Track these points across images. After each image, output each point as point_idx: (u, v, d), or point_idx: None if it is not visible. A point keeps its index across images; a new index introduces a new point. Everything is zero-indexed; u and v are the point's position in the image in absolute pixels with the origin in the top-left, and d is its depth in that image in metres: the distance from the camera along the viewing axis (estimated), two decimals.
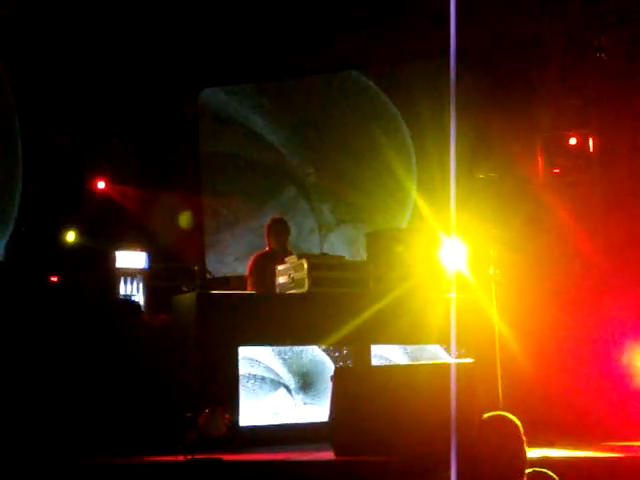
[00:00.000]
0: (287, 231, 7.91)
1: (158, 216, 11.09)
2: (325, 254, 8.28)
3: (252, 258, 7.85)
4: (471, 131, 9.77)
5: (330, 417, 5.11)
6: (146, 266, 8.60)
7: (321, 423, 6.18)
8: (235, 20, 10.73)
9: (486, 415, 3.67)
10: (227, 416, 5.26)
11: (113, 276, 8.23)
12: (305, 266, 7.03)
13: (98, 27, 10.21)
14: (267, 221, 8.03)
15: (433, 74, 10.66)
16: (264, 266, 7.63)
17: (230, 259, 11.62)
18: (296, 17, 10.44)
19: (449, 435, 4.98)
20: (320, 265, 7.15)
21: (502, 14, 10.04)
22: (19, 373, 5.85)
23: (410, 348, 7.01)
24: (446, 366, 6.32)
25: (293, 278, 7.18)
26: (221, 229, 11.77)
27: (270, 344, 6.57)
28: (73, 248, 7.61)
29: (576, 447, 5.35)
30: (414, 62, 11.17)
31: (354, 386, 5.12)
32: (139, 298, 8.40)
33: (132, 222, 10.73)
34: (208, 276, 11.42)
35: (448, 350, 7.04)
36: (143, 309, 7.98)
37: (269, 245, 7.83)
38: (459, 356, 6.80)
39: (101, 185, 10.99)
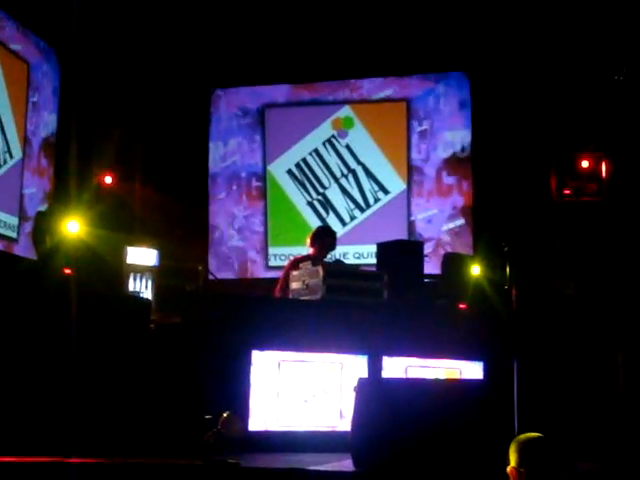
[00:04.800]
0: (333, 244, 7.82)
1: (164, 215, 11.06)
2: (340, 261, 8.22)
3: (292, 260, 7.79)
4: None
5: (351, 428, 5.05)
6: (157, 263, 8.53)
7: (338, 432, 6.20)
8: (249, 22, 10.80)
9: (523, 436, 3.59)
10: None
11: (123, 272, 8.15)
12: (321, 273, 6.97)
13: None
14: (316, 228, 8.00)
15: None
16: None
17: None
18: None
19: (470, 453, 4.97)
20: (336, 273, 7.11)
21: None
22: (29, 368, 5.75)
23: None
24: (462, 383, 6.37)
25: (307, 284, 7.12)
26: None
27: (283, 349, 6.49)
28: (83, 240, 7.47)
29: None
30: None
31: (377, 398, 5.07)
32: (147, 295, 8.32)
33: (139, 219, 10.67)
34: (210, 277, 11.41)
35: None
36: (152, 307, 7.88)
37: (312, 252, 7.74)
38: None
39: (108, 180, 10.92)
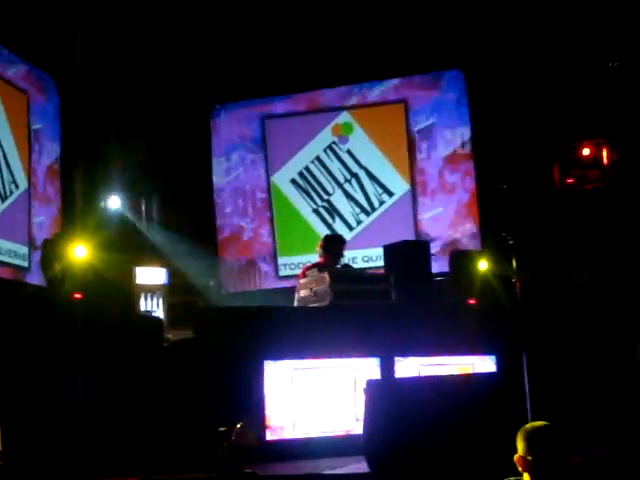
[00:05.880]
0: (342, 251, 7.87)
1: (172, 234, 11.19)
2: (348, 266, 8.28)
3: (303, 269, 7.85)
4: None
5: (363, 430, 5.09)
6: (166, 282, 8.61)
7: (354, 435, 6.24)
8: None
9: (529, 425, 3.62)
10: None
11: (133, 293, 8.23)
12: (327, 279, 7.02)
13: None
14: (324, 237, 8.08)
15: None
16: None
17: None
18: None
19: (485, 446, 4.99)
20: (342, 278, 7.16)
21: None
22: (46, 390, 5.83)
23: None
24: (474, 377, 6.39)
25: (315, 291, 7.18)
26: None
27: (295, 358, 6.55)
28: (92, 264, 7.55)
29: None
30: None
31: (386, 398, 5.10)
32: (159, 314, 8.40)
33: (147, 239, 10.78)
34: (222, 291, 11.51)
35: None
36: (165, 325, 7.96)
37: (323, 259, 7.80)
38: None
39: (114, 203, 11.03)
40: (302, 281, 7.37)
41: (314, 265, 7.82)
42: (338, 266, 7.81)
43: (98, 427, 5.79)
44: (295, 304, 7.55)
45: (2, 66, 9.44)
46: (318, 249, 7.86)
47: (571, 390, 6.97)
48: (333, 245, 7.78)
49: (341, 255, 7.79)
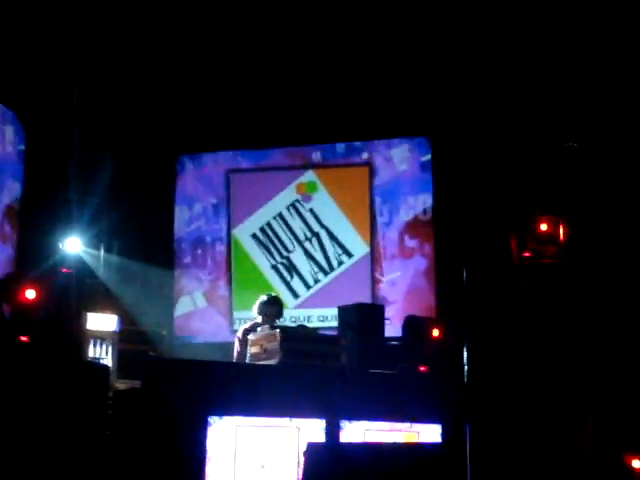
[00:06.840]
0: (279, 312, 7.87)
1: (130, 281, 11.10)
2: (303, 326, 8.27)
3: (241, 329, 7.83)
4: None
5: None
6: (117, 329, 8.52)
7: None
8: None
9: None
10: None
11: (82, 338, 8.13)
12: (278, 337, 7.01)
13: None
14: (261, 298, 7.99)
15: None
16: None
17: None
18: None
19: None
20: (293, 337, 7.14)
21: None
22: None
23: None
24: (417, 447, 6.38)
25: (265, 349, 7.15)
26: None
27: (240, 415, 6.49)
28: (41, 307, 7.46)
29: None
30: None
31: (327, 463, 5.06)
32: (108, 361, 8.29)
33: (103, 285, 10.67)
34: (175, 341, 11.42)
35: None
36: (112, 373, 7.85)
37: (259, 320, 7.78)
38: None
39: (73, 246, 10.92)
40: (253, 337, 7.33)
41: (253, 325, 7.78)
42: (291, 323, 7.81)
43: (36, 474, 5.67)
44: (234, 360, 7.52)
45: None
46: (254, 309, 7.85)
47: (515, 465, 6.97)
48: (270, 306, 7.78)
49: (279, 316, 7.78)
